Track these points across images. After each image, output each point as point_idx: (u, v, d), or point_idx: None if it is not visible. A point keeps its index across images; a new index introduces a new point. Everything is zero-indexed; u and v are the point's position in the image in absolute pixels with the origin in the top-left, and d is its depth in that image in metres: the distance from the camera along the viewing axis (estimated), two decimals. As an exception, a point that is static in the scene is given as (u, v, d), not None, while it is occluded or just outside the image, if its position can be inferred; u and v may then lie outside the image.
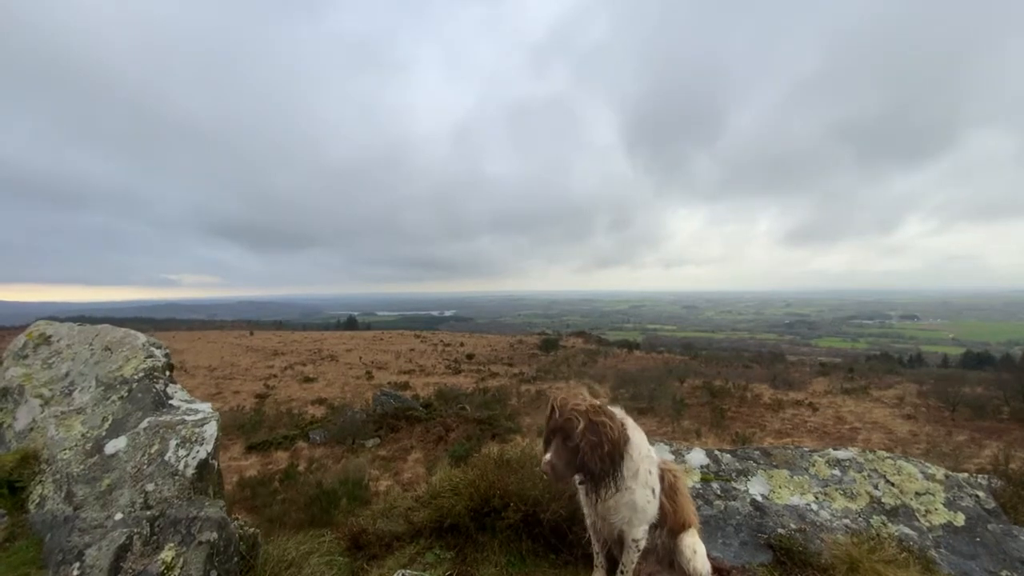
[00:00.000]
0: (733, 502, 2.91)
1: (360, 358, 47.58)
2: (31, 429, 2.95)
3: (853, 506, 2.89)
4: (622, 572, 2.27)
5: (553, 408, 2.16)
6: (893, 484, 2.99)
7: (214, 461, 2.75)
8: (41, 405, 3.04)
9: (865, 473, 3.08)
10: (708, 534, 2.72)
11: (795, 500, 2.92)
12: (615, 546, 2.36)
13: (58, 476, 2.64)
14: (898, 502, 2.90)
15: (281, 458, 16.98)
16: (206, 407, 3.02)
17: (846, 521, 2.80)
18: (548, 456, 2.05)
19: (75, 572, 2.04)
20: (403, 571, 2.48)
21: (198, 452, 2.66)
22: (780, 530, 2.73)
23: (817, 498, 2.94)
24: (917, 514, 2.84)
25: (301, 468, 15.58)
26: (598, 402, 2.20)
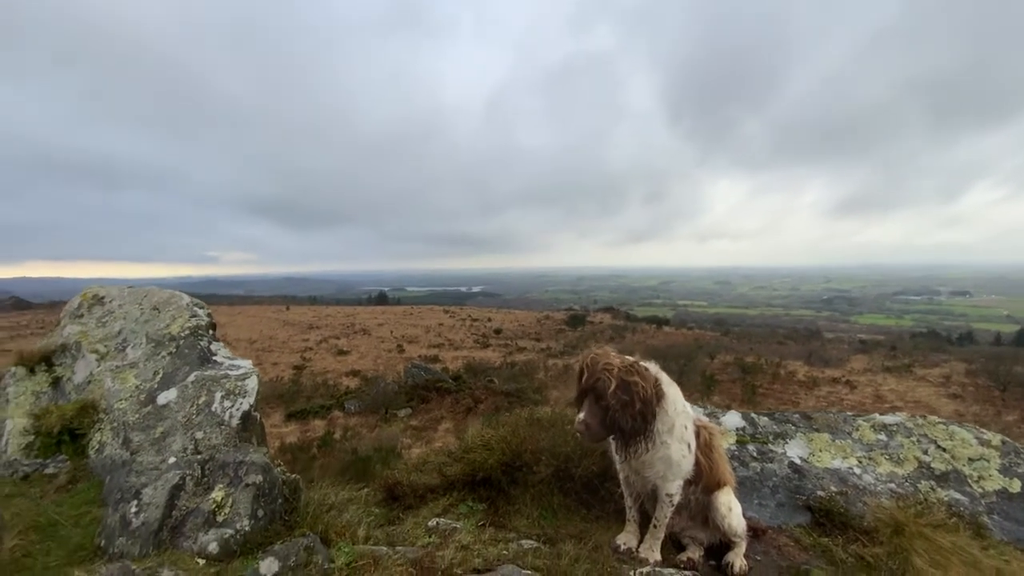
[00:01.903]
0: (770, 464, 2.85)
1: (391, 332, 48.76)
2: (89, 382, 3.14)
3: (900, 471, 2.77)
4: (655, 526, 2.27)
5: (584, 367, 2.13)
6: (944, 449, 2.85)
7: (256, 413, 2.87)
8: (97, 360, 3.23)
9: (914, 438, 2.94)
10: (743, 495, 2.68)
11: (837, 464, 2.83)
12: (648, 501, 2.35)
13: (115, 424, 2.81)
14: (949, 468, 2.76)
15: (318, 426, 17.75)
16: (247, 363, 3.14)
17: (891, 486, 2.70)
18: (582, 415, 2.04)
19: (133, 508, 2.18)
20: (437, 519, 2.55)
21: (241, 404, 2.78)
22: (820, 493, 2.66)
23: (861, 462, 2.84)
24: (969, 480, 2.71)
25: (337, 436, 16.25)
26: (631, 359, 2.16)
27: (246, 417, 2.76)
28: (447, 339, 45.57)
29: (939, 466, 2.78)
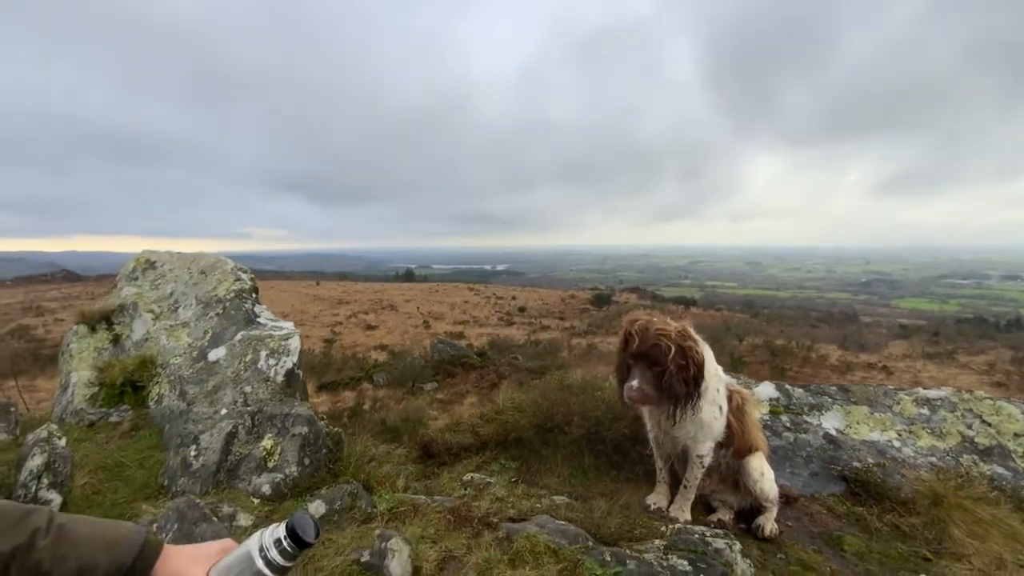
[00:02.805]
0: (804, 435, 2.82)
1: (418, 308, 49.55)
2: (146, 339, 3.34)
3: (941, 445, 2.72)
4: (685, 487, 2.30)
5: (632, 334, 2.06)
6: (990, 424, 2.77)
7: (299, 371, 3.01)
8: (153, 319, 3.43)
9: (958, 413, 2.87)
10: (776, 463, 2.67)
11: (875, 436, 2.78)
12: (678, 462, 2.37)
13: (172, 378, 2.99)
14: (993, 442, 2.69)
15: (348, 397, 18.33)
16: (289, 325, 3.27)
17: (932, 459, 2.64)
18: (635, 382, 1.98)
19: (193, 452, 2.35)
20: (472, 475, 2.65)
21: (285, 362, 2.91)
22: (856, 463, 2.63)
23: (900, 435, 2.78)
24: (1014, 455, 2.63)
25: (366, 407, 16.78)
26: (680, 325, 2.12)
27: (290, 374, 2.90)
28: (472, 316, 46.06)
29: (983, 441, 2.70)
